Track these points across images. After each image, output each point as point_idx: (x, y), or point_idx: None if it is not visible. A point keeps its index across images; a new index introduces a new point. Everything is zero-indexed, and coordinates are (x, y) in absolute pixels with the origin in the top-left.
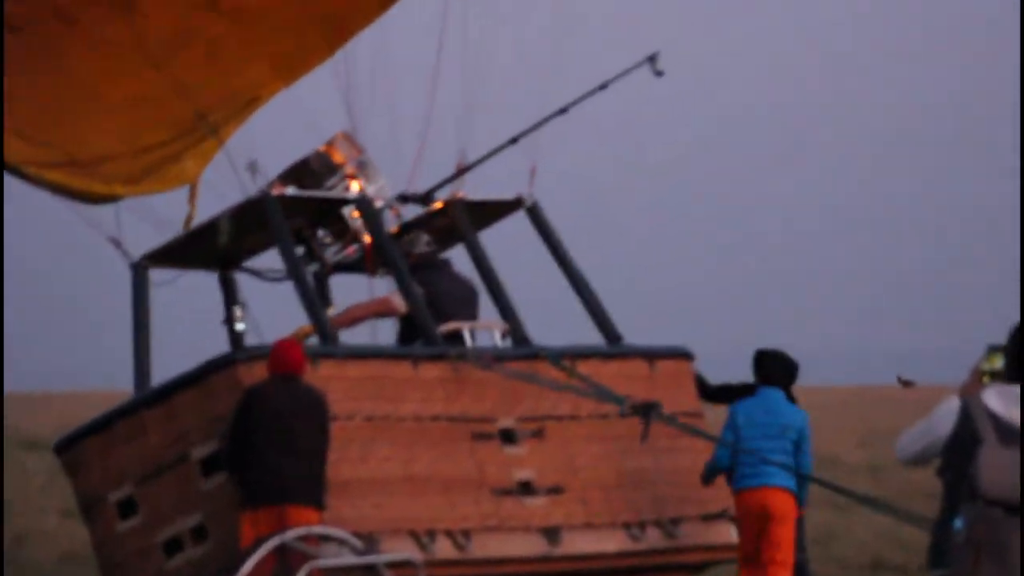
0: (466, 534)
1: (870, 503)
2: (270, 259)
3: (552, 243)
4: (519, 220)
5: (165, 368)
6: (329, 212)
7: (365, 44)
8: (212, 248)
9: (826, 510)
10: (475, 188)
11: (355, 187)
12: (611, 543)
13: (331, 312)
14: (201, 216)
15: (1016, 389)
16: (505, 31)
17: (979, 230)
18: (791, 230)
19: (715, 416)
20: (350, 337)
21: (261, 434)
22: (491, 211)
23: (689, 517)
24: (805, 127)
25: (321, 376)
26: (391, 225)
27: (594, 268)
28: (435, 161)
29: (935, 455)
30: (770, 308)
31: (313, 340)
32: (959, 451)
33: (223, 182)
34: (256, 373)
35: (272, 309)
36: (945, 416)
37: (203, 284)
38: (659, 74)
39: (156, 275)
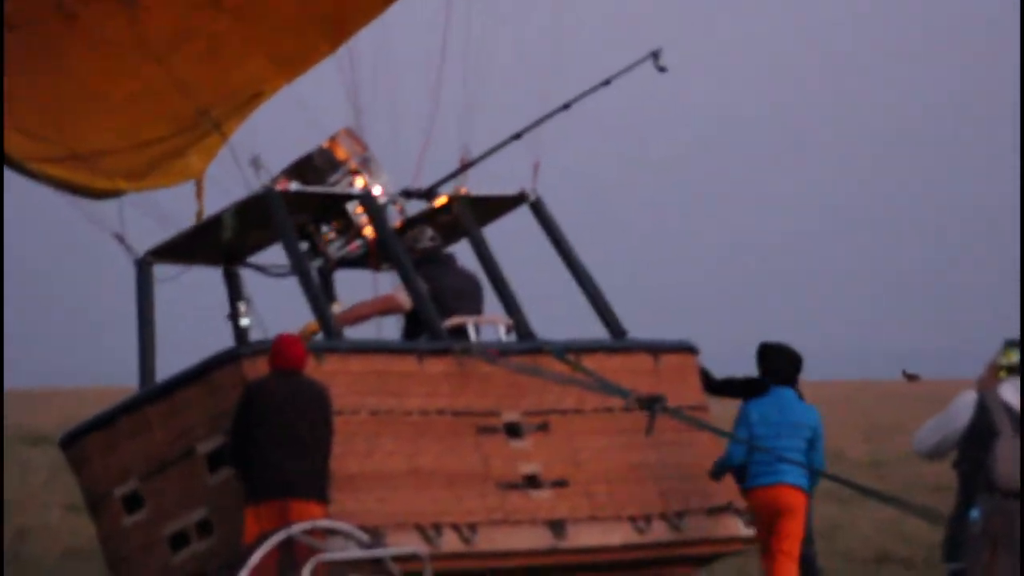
0: (472, 527)
1: (887, 500)
2: (274, 255)
3: (556, 238)
4: (523, 215)
5: (170, 364)
6: (333, 208)
7: (368, 41)
8: (216, 243)
9: (831, 504)
10: (478, 184)
11: (358, 183)
12: (616, 536)
13: (336, 308)
14: (206, 212)
15: None
16: (507, 27)
17: (979, 229)
18: (795, 226)
19: (721, 410)
20: (354, 332)
21: (263, 429)
22: (495, 206)
23: (695, 510)
24: (808, 124)
25: (326, 371)
26: (395, 221)
27: (597, 263)
28: (438, 157)
29: (952, 447)
30: (774, 303)
31: (318, 336)
32: (975, 443)
33: (227, 178)
34: (260, 368)
35: (277, 305)
36: (962, 409)
37: (207, 280)
38: (662, 70)
39: (160, 271)
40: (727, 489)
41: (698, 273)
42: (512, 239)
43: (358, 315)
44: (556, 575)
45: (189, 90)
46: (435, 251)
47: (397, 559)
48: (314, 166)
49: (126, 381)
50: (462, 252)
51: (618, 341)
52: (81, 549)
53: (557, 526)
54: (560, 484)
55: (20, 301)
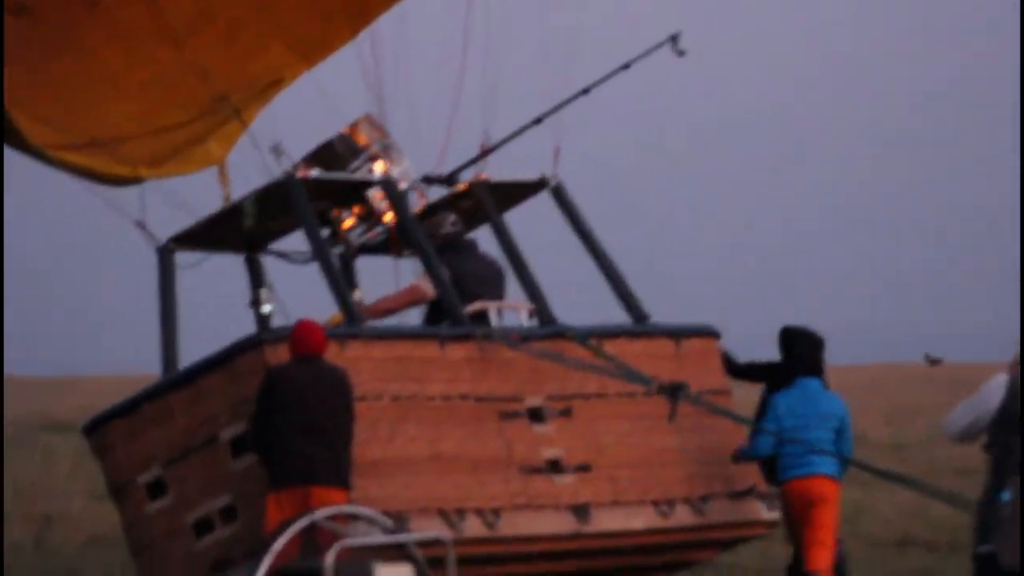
0: (495, 512)
1: (917, 486)
2: (296, 241)
3: (577, 223)
4: (544, 200)
5: (192, 351)
6: (354, 194)
7: (387, 27)
8: (238, 230)
9: (854, 488)
10: (499, 169)
11: (379, 169)
12: (640, 520)
13: (357, 294)
14: (231, 197)
15: None
16: (527, 12)
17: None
18: (818, 209)
19: (743, 394)
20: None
21: (283, 415)
22: (515, 192)
23: (718, 494)
24: (833, 104)
25: (348, 357)
26: (416, 206)
27: (618, 248)
28: (458, 142)
29: (982, 430)
30: (796, 287)
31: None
32: (1006, 426)
33: (248, 165)
34: (282, 355)
35: (298, 291)
36: (994, 390)
37: (229, 267)
38: (681, 54)
39: (182, 258)
40: (750, 473)
41: (718, 256)
42: (534, 224)
43: (385, 309)
44: (579, 559)
45: (208, 76)
46: (457, 237)
47: (420, 544)
48: (335, 153)
49: (149, 368)
50: (483, 238)
51: (640, 326)
52: (104, 536)
53: (580, 511)
54: (583, 469)
55: (43, 290)
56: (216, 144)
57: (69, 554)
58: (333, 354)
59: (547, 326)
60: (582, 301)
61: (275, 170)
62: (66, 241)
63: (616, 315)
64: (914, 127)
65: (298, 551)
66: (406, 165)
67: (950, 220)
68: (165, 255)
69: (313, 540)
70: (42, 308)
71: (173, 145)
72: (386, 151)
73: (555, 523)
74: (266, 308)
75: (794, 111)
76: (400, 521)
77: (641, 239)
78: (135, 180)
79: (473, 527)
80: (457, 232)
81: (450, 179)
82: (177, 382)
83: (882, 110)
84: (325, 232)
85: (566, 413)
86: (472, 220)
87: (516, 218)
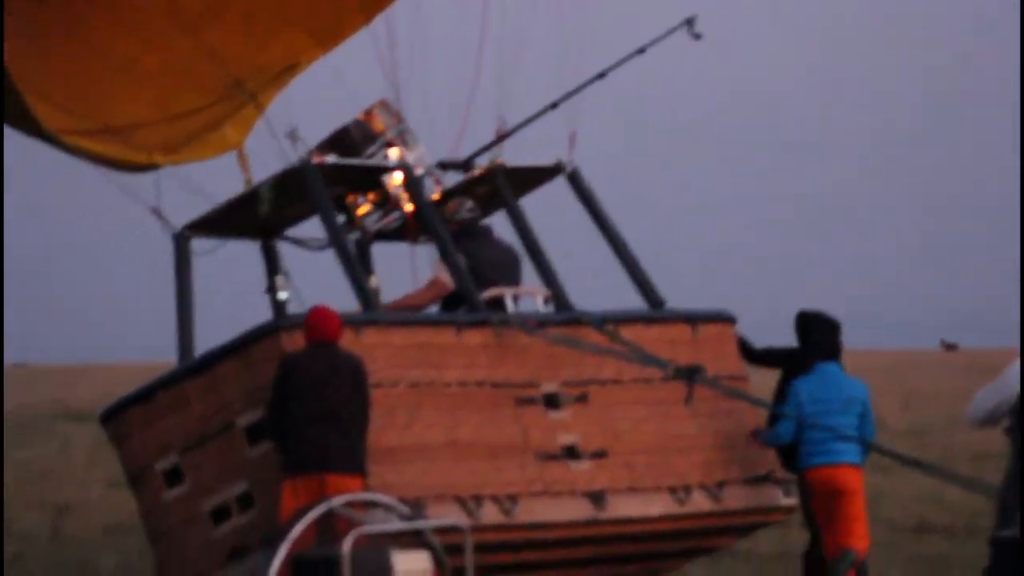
0: (512, 499)
1: (940, 473)
2: (312, 227)
3: (593, 208)
4: (560, 185)
5: (208, 338)
6: (370, 180)
7: (402, 12)
8: (254, 217)
9: (872, 473)
10: (515, 155)
11: (395, 155)
12: (656, 507)
13: (373, 281)
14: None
15: None
16: None
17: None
18: (832, 191)
19: (760, 380)
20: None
21: (299, 403)
22: (531, 177)
23: (735, 480)
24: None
25: (365, 344)
26: (431, 192)
27: (633, 234)
28: (473, 128)
29: (1005, 414)
30: (811, 272)
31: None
32: None
33: (264, 150)
34: (298, 342)
35: (314, 278)
36: (1015, 375)
37: (245, 253)
38: (697, 37)
39: (198, 245)
40: (767, 459)
41: (733, 241)
42: (550, 209)
43: (408, 306)
44: (595, 546)
45: (223, 62)
46: (473, 223)
47: (438, 531)
48: (351, 138)
49: (165, 356)
50: (499, 223)
51: (656, 311)
52: (122, 524)
53: (597, 497)
54: (599, 455)
55: (59, 277)
56: (232, 129)
57: (87, 542)
58: (349, 341)
59: (563, 312)
60: (598, 287)
61: (291, 156)
62: (82, 230)
63: (632, 301)
64: (931, 109)
65: (315, 538)
66: (421, 151)
67: (967, 205)
68: (181, 242)
69: (330, 527)
70: (58, 297)
71: (188, 131)
72: (402, 137)
73: (571, 510)
74: (282, 295)
75: (812, 92)
76: (417, 508)
77: (655, 226)
78: (150, 166)
79: (490, 514)
80: (473, 218)
81: (466, 164)
82: (193, 369)
83: (900, 92)
84: (341, 218)
85: (582, 399)
86: (488, 205)
87: (532, 204)
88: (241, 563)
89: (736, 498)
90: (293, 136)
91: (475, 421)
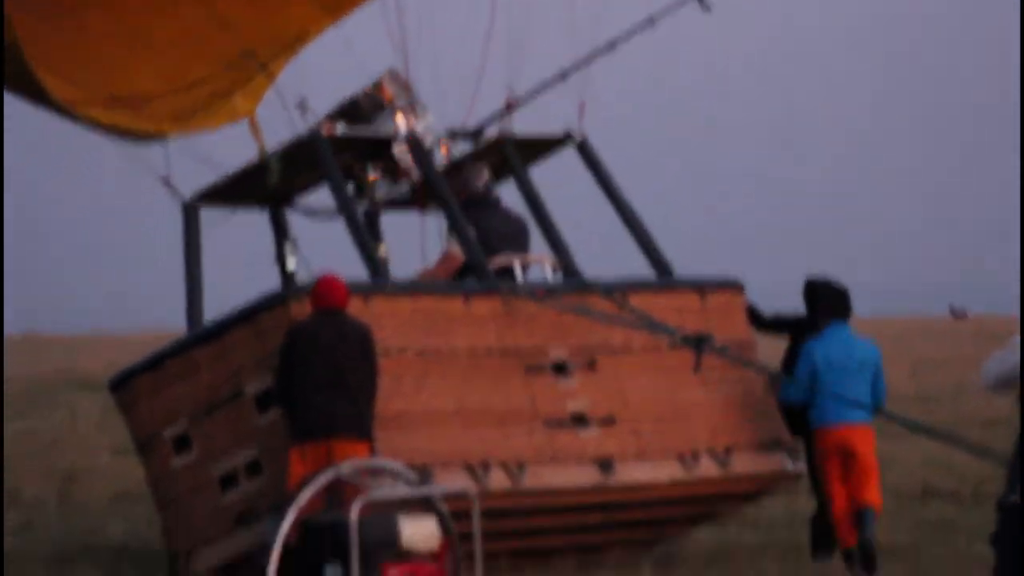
0: (520, 465)
1: (958, 442)
2: (321, 196)
3: (602, 178)
4: (569, 155)
5: (217, 307)
6: (379, 150)
7: None
8: (263, 186)
9: (880, 439)
10: (524, 124)
11: (404, 125)
12: (664, 473)
13: (382, 249)
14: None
15: None
16: None
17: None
18: (842, 162)
19: (768, 347)
20: (400, 271)
21: (306, 369)
22: (540, 147)
23: (742, 447)
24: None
25: (373, 312)
26: (440, 162)
27: (642, 202)
28: (483, 97)
29: (1015, 379)
30: (819, 239)
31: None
32: None
33: (274, 119)
34: (307, 310)
35: (323, 247)
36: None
37: (254, 222)
38: (707, 9)
39: (207, 214)
40: (774, 425)
41: (743, 208)
42: (559, 178)
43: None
44: (603, 512)
45: (233, 31)
46: (482, 193)
47: (445, 497)
48: (360, 108)
49: (174, 324)
50: (508, 192)
51: (664, 279)
52: (130, 492)
53: (605, 464)
54: (607, 422)
55: (68, 246)
56: (242, 99)
57: (96, 509)
58: (357, 309)
59: (571, 280)
60: (606, 255)
61: (301, 126)
62: (91, 199)
63: (640, 269)
64: (944, 80)
65: (322, 504)
66: (430, 120)
67: (976, 175)
68: (190, 211)
69: (337, 493)
70: (68, 266)
71: (199, 100)
72: (411, 106)
73: (579, 476)
74: (291, 264)
75: (825, 61)
76: (425, 474)
77: (667, 191)
78: (160, 136)
79: (498, 480)
80: (483, 187)
81: (476, 134)
82: (202, 338)
83: (913, 60)
84: (350, 187)
85: (590, 366)
86: (497, 175)
87: (540, 172)
88: (248, 528)
89: (744, 464)
90: (303, 106)
91: (483, 388)
